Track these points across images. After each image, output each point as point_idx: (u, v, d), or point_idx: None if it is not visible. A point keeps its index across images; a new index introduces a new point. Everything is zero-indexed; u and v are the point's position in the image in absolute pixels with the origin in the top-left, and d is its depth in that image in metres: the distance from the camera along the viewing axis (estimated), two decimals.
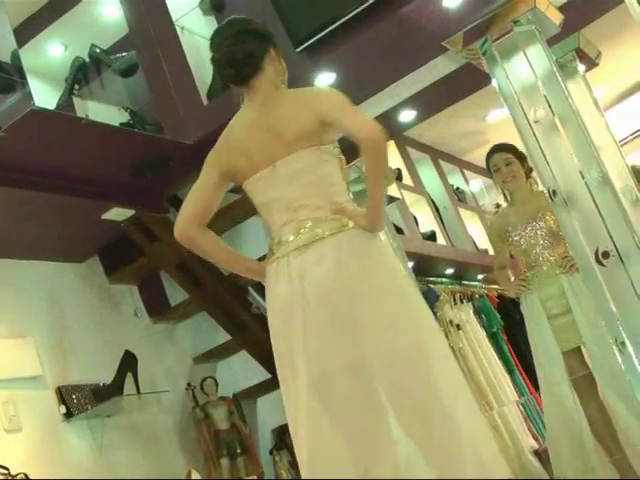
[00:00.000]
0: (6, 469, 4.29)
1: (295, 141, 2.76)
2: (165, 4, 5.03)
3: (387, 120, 5.36)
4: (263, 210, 2.86)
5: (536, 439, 6.11)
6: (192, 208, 2.86)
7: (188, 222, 2.83)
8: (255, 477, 5.55)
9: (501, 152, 4.68)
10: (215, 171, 2.88)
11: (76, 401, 5.04)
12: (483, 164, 8.08)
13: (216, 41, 2.92)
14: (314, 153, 2.78)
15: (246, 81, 2.87)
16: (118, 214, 5.20)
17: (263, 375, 5.81)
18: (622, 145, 5.53)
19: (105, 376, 5.20)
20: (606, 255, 3.48)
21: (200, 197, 2.87)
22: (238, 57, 2.85)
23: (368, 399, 2.58)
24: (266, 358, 5.74)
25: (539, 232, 4.50)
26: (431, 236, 6.66)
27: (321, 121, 2.77)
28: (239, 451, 5.56)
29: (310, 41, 4.43)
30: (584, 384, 4.29)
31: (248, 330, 5.72)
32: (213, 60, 2.92)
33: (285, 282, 2.69)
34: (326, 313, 2.63)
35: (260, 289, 5.99)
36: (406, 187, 6.59)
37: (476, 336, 6.17)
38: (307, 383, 2.64)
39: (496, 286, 7.51)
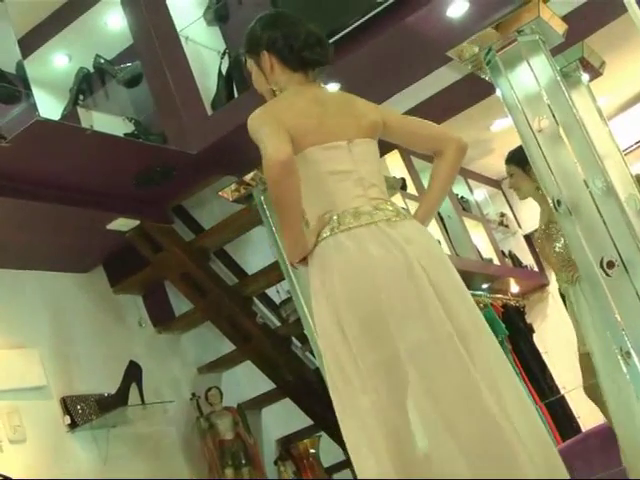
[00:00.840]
0: None
1: (368, 130, 2.77)
2: (169, 14, 5.04)
3: None
4: (331, 179, 2.68)
5: None
6: (288, 138, 2.58)
7: (290, 149, 2.54)
8: None
9: (505, 165, 4.68)
10: (281, 125, 2.62)
11: (81, 411, 5.04)
12: (488, 173, 8.15)
13: (293, 20, 2.89)
14: (377, 147, 2.83)
15: (319, 65, 2.86)
16: (123, 224, 5.21)
17: (268, 385, 5.81)
18: (626, 154, 5.53)
19: (109, 386, 5.19)
20: (611, 265, 3.47)
21: (287, 135, 2.59)
22: (326, 41, 2.87)
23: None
24: (271, 368, 5.74)
25: (555, 235, 4.48)
26: None
27: (384, 123, 2.83)
28: (244, 461, 5.55)
29: None
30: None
31: (253, 340, 5.71)
32: (296, 37, 2.81)
33: (382, 245, 2.59)
34: (438, 279, 2.60)
35: (264, 299, 5.99)
36: (410, 196, 6.58)
37: None
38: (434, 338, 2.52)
39: (500, 295, 7.51)
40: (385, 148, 5.79)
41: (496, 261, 7.60)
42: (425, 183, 7.02)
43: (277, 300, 5.93)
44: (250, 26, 2.93)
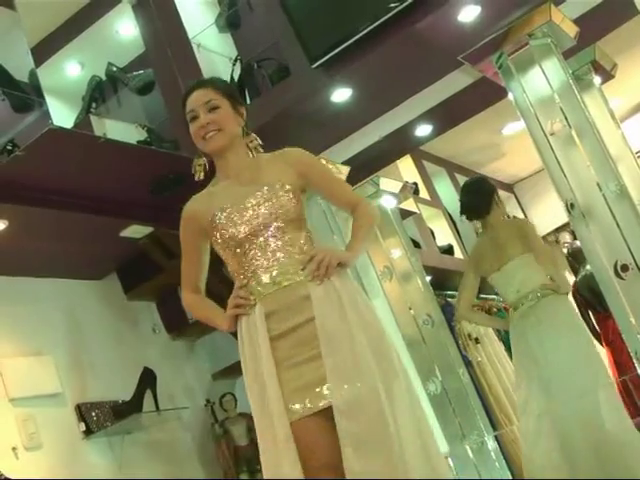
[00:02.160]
0: None
1: None
2: (181, 22, 5.06)
3: (404, 134, 5.37)
4: None
5: None
6: None
7: None
8: None
9: None
10: None
11: (95, 418, 5.05)
12: (500, 177, 8.14)
13: None
14: None
15: None
16: (136, 231, 5.22)
17: None
18: (639, 156, 5.52)
19: (124, 393, 5.20)
20: (625, 268, 3.46)
21: None
22: None
23: None
24: None
25: None
26: (448, 249, 6.65)
27: None
28: (258, 467, 5.53)
29: (326, 57, 4.45)
30: None
31: None
32: None
33: None
34: None
35: None
36: (423, 201, 6.58)
37: (494, 349, 6.14)
38: None
39: None
40: (397, 153, 5.83)
41: None
42: (438, 187, 7.03)
43: None
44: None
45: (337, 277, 2.67)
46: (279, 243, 2.69)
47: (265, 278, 2.66)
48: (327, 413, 2.54)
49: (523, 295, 4.43)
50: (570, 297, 4.78)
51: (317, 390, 2.56)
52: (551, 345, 4.23)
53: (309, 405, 2.55)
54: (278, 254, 2.68)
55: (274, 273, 2.66)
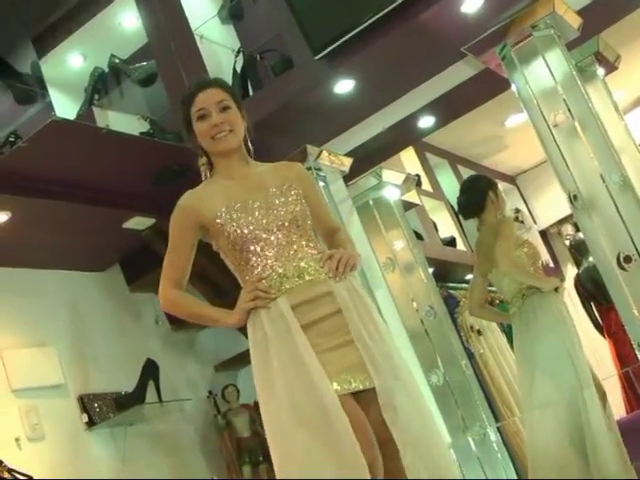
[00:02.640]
0: (30, 478, 4.30)
1: None
2: (184, 13, 5.05)
3: (406, 126, 5.35)
4: None
5: None
6: None
7: None
8: None
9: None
10: None
11: (98, 409, 5.06)
12: (502, 169, 8.12)
13: None
14: None
15: None
16: (139, 223, 5.22)
17: None
18: None
19: (127, 384, 5.21)
20: (628, 260, 3.46)
21: None
22: None
23: None
24: None
25: None
26: (451, 241, 6.65)
27: None
28: (261, 458, 5.55)
29: (329, 48, 4.44)
30: None
31: None
32: None
33: None
34: None
35: None
36: (425, 193, 6.58)
37: (497, 341, 6.14)
38: None
39: None
40: (400, 145, 5.83)
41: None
42: (440, 179, 7.03)
43: None
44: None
45: (351, 276, 2.74)
46: (295, 241, 2.72)
47: (288, 272, 2.67)
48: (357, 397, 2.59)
49: (513, 295, 4.45)
50: (564, 292, 4.76)
51: (363, 371, 2.58)
52: (534, 346, 4.25)
53: (359, 384, 2.57)
54: (296, 251, 2.71)
55: (296, 268, 2.68)
